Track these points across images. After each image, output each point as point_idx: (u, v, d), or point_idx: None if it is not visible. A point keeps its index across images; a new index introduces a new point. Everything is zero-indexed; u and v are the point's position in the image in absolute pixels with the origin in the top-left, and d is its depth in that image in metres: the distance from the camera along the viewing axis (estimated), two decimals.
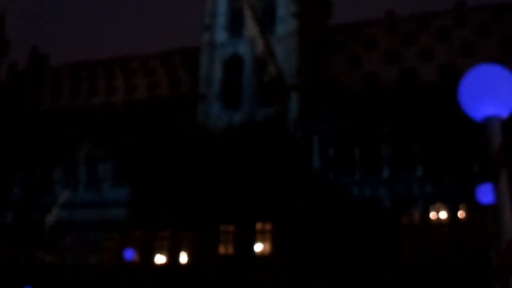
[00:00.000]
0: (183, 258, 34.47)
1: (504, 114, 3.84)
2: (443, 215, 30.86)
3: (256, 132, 33.22)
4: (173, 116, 37.27)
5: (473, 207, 26.22)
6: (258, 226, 32.05)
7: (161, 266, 34.83)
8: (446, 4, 37.15)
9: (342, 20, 39.50)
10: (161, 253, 35.04)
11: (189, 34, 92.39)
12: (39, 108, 42.59)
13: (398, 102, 32.78)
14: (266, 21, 35.02)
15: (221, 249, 32.27)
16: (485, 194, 9.23)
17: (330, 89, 34.52)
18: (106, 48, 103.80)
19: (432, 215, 30.95)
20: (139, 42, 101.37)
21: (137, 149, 37.56)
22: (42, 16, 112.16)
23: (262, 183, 32.08)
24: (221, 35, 36.68)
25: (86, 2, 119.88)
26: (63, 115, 41.17)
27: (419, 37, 35.13)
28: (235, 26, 36.06)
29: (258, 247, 31.88)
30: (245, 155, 33.11)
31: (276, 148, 32.43)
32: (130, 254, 27.43)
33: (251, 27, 33.13)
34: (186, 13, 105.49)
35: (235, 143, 33.53)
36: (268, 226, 31.87)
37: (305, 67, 33.92)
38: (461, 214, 30.35)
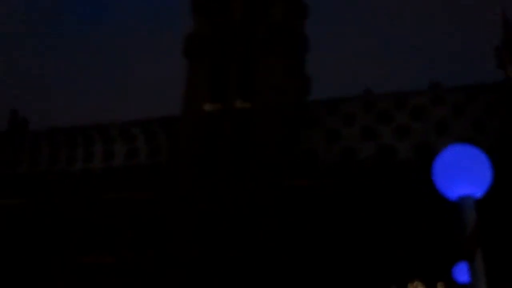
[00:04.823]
0: None
1: (478, 194, 3.86)
2: None
3: (235, 205, 32.97)
4: (151, 184, 36.95)
5: (451, 285, 25.99)
6: None
7: None
8: (421, 85, 38.32)
9: (320, 96, 40.41)
10: None
11: (170, 103, 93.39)
12: (17, 172, 41.97)
13: (375, 178, 33.02)
14: (245, 92, 35.44)
15: None
16: (462, 273, 9.21)
17: (307, 161, 34.76)
18: (86, 114, 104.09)
19: None
20: (119, 110, 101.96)
21: (112, 215, 36.86)
22: (23, 80, 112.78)
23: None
24: None
25: (68, 68, 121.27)
26: (40, 179, 40.60)
27: (396, 115, 35.94)
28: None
29: None
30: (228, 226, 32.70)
31: (244, 222, 32.14)
32: None
33: None
34: (167, 82, 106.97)
35: (211, 212, 33.18)
36: None
37: (283, 139, 34.23)
38: None
